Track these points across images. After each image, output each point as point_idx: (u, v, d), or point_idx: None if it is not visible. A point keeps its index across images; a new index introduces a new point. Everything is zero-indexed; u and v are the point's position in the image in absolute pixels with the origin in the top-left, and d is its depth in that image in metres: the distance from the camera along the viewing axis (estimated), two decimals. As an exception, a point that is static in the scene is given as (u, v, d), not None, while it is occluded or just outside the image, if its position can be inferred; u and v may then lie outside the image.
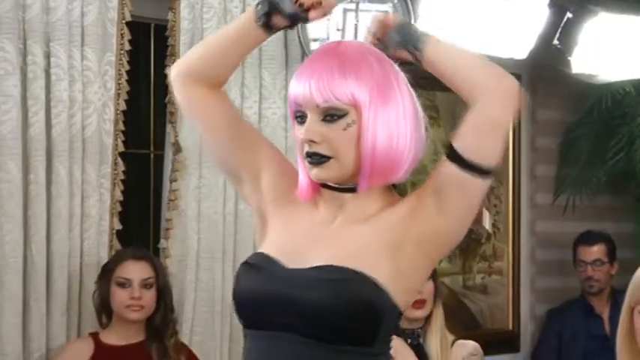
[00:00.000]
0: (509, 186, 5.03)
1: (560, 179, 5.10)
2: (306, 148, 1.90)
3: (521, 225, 5.10)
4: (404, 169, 1.95)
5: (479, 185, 1.88)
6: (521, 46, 4.21)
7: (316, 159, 1.90)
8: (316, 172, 1.91)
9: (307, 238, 1.96)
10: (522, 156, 5.09)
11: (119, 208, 3.54)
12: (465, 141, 1.86)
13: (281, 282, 1.90)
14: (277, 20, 1.96)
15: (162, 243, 3.69)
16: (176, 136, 3.65)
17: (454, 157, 1.87)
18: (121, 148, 3.54)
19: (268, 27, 1.97)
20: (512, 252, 5.04)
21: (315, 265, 1.89)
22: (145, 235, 3.97)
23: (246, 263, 1.99)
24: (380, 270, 1.87)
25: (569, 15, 4.24)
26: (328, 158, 1.89)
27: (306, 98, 1.88)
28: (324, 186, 1.98)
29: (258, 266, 1.96)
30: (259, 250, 2.00)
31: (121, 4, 3.49)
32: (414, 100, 1.96)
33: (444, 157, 1.89)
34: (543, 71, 4.84)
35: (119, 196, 3.53)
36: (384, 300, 1.86)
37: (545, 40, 4.24)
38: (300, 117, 1.92)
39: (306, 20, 1.98)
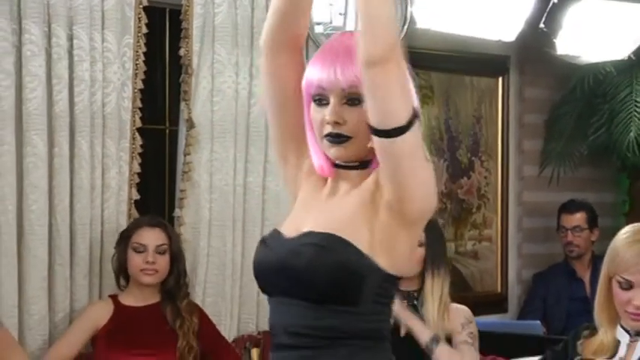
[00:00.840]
0: (498, 159, 5.05)
1: (546, 153, 5.12)
2: (329, 129, 1.90)
3: (509, 195, 5.10)
4: None
5: (402, 145, 1.80)
6: (509, 30, 4.25)
7: (337, 140, 1.90)
8: (335, 151, 1.92)
9: (309, 211, 1.98)
10: (510, 131, 5.11)
11: (137, 180, 3.57)
12: (370, 114, 1.81)
13: (278, 251, 1.93)
14: None
15: (177, 212, 3.72)
16: (189, 113, 3.67)
17: (372, 130, 1.82)
18: (139, 124, 3.56)
19: None
20: (500, 220, 5.06)
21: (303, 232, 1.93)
22: (161, 205, 3.98)
23: (261, 239, 2.03)
24: (360, 235, 1.88)
25: (554, 0, 4.25)
26: (348, 138, 1.90)
27: (331, 82, 1.89)
28: (336, 165, 1.98)
29: (267, 241, 2.00)
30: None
31: (138, -11, 3.53)
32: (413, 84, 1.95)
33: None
34: (530, 53, 4.87)
35: (137, 168, 3.57)
36: (363, 262, 1.86)
37: (532, 23, 4.26)
38: (320, 100, 1.92)
39: None
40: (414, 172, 1.83)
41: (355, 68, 1.85)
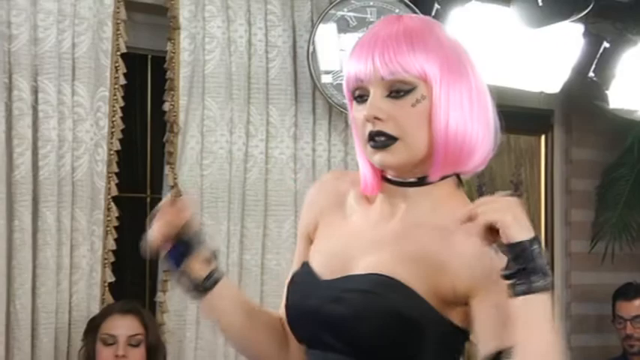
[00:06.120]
0: (541, 232, 5.01)
1: (598, 225, 5.10)
2: (369, 128, 1.83)
3: (554, 276, 5.02)
4: (477, 156, 1.88)
5: None
6: (554, 80, 4.25)
7: (381, 142, 1.83)
8: (380, 157, 1.84)
9: (356, 241, 1.92)
10: (555, 200, 5.11)
11: (112, 259, 3.54)
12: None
13: (315, 296, 1.89)
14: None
15: (160, 296, 3.67)
16: (175, 179, 3.66)
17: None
18: (115, 192, 3.55)
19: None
20: (545, 307, 5.01)
21: (352, 273, 1.85)
22: (140, 289, 4.01)
23: (292, 277, 1.99)
24: (426, 280, 1.81)
25: (605, 45, 4.26)
26: (394, 140, 1.82)
27: (368, 71, 1.82)
28: (387, 180, 1.91)
29: (298, 280, 1.97)
30: (305, 260, 1.99)
31: (115, 34, 3.52)
32: (484, 80, 1.90)
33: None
34: (578, 106, 4.90)
35: (112, 245, 3.54)
36: (422, 311, 1.80)
37: (580, 72, 4.27)
38: (360, 96, 1.86)
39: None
40: None
41: (399, 55, 1.81)
